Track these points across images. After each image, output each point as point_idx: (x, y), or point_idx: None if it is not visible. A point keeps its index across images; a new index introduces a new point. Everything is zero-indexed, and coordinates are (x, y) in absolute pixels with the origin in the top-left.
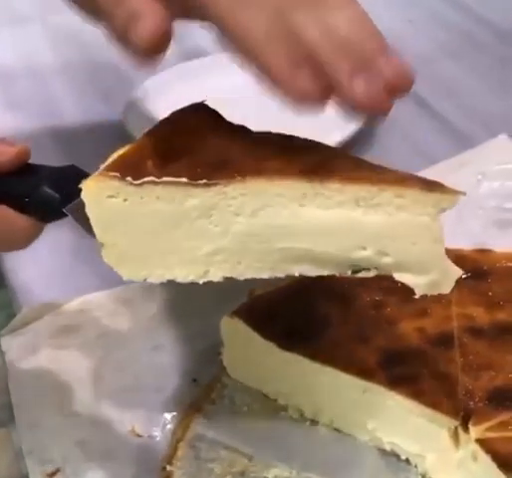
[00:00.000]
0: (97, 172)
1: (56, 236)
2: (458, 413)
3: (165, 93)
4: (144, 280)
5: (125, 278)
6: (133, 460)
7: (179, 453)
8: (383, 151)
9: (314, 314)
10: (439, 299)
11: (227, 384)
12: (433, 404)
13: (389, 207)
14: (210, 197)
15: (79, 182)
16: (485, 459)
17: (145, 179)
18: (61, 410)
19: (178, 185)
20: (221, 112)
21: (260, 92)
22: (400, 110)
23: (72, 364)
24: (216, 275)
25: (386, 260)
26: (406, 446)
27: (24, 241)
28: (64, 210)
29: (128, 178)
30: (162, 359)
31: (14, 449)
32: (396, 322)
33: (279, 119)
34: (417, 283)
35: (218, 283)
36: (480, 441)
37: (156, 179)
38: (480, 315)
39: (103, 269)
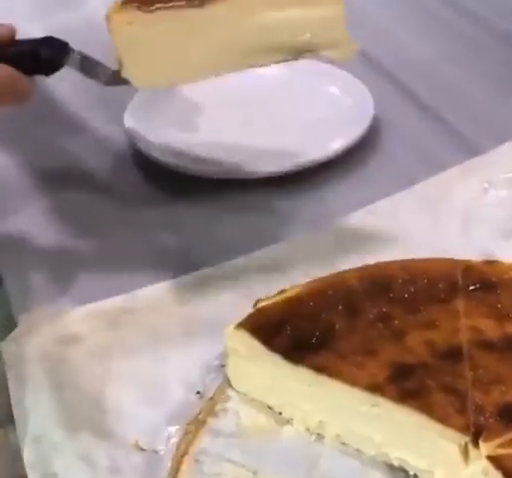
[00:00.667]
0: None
1: (57, 243)
2: (468, 429)
3: None
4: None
5: (140, 87)
6: (137, 474)
7: (183, 467)
8: (386, 158)
9: (320, 326)
10: (448, 310)
11: (231, 397)
12: (443, 419)
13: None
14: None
15: (62, 44)
16: (496, 476)
17: (158, 6)
18: (64, 423)
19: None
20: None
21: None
22: (404, 115)
23: (74, 376)
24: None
25: (315, 41)
26: (415, 461)
27: (27, 95)
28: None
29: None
30: (166, 372)
31: (11, 450)
32: (404, 334)
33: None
34: (333, 55)
35: (223, 294)
36: (491, 458)
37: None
38: (490, 327)
39: (105, 276)
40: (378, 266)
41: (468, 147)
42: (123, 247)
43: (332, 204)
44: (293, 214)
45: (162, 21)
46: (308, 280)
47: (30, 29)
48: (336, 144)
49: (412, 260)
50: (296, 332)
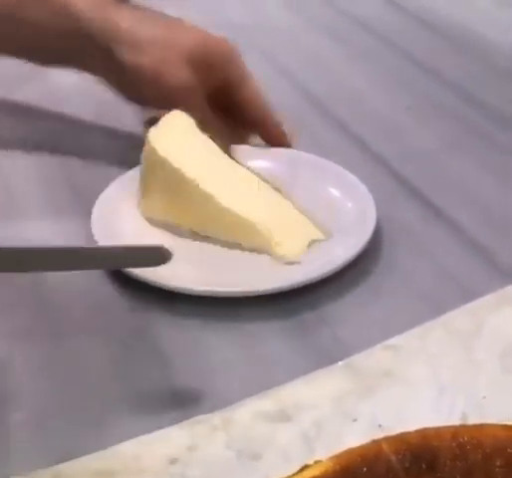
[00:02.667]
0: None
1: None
2: None
3: None
4: None
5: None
6: None
7: None
8: (392, 268)
9: None
10: None
11: None
12: None
13: None
14: None
15: None
16: None
17: None
18: None
19: None
20: None
21: None
22: (409, 216)
23: None
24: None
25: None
26: None
27: None
28: None
29: None
30: None
31: None
32: None
33: None
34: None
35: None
36: None
37: None
38: None
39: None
40: (420, 435)
41: (486, 257)
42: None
43: (339, 331)
44: (294, 340)
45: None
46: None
47: None
48: (337, 257)
49: (462, 427)
50: None
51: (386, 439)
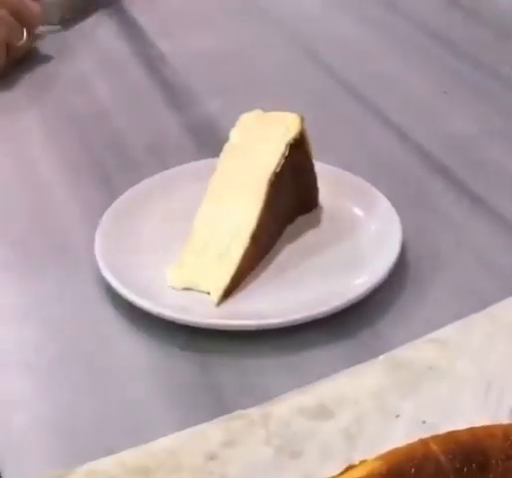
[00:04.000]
0: None
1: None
2: None
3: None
4: None
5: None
6: None
7: None
8: (418, 295)
9: None
10: None
11: None
12: None
13: None
14: None
15: None
16: None
17: None
18: None
19: None
20: None
21: None
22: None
23: None
24: None
25: None
26: None
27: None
28: None
29: None
30: None
31: None
32: None
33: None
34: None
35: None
36: None
37: None
38: None
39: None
40: (470, 433)
41: None
42: None
43: (380, 326)
44: (333, 335)
45: None
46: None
47: None
48: (359, 286)
49: None
50: None
51: (435, 438)
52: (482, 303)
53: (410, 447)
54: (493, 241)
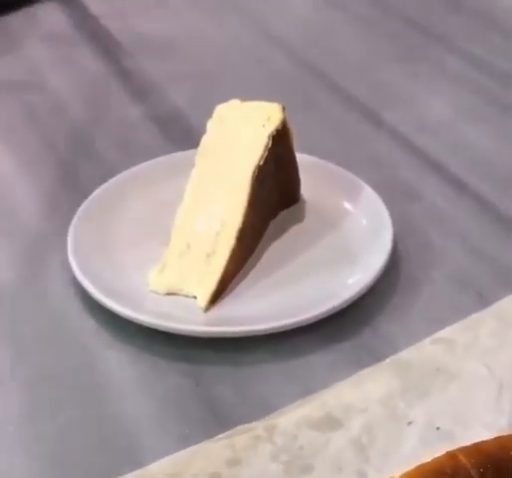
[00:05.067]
0: None
1: None
2: None
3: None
4: None
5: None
6: None
7: None
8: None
9: None
10: None
11: None
12: None
13: None
14: None
15: None
16: None
17: None
18: None
19: None
20: None
21: None
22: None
23: None
24: None
25: None
26: None
27: None
28: None
29: None
30: None
31: None
32: None
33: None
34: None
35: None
36: None
37: None
38: None
39: None
40: (498, 444)
41: None
42: None
43: (380, 327)
44: (333, 340)
45: None
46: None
47: None
48: (354, 285)
49: None
50: None
51: (463, 451)
52: (478, 295)
53: (438, 461)
54: (482, 228)
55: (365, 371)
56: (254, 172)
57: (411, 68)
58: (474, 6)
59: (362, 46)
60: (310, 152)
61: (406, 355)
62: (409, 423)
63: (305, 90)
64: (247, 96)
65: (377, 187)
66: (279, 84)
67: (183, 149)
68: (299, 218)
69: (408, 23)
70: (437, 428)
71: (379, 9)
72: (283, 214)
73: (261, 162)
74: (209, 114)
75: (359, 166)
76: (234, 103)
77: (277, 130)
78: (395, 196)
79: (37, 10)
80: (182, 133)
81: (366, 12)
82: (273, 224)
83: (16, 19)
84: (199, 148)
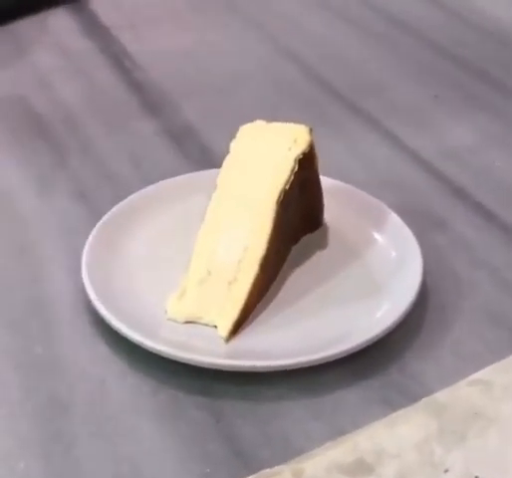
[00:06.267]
0: None
1: None
2: None
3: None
4: None
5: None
6: None
7: None
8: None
9: None
10: None
11: None
12: None
13: None
14: None
15: None
16: None
17: None
18: None
19: None
20: None
21: None
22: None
23: None
24: None
25: None
26: None
27: None
28: None
29: None
30: None
31: None
32: None
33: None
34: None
35: None
36: None
37: None
38: None
39: None
40: None
41: None
42: None
43: (409, 366)
44: (362, 380)
45: None
46: None
47: None
48: (384, 318)
49: None
50: None
51: None
52: (510, 331)
53: None
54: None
55: (398, 413)
56: (279, 197)
57: (430, 89)
58: (494, 28)
59: (377, 64)
60: (324, 173)
61: (442, 396)
62: (446, 471)
63: (319, 106)
64: (260, 111)
65: (400, 213)
66: (293, 100)
67: (197, 165)
68: (322, 244)
69: (424, 42)
70: (475, 477)
71: (394, 26)
72: (305, 239)
73: (287, 187)
74: (222, 128)
75: (380, 190)
76: (259, 123)
77: (303, 154)
78: (419, 223)
79: (47, 17)
80: (196, 149)
81: (382, 29)
82: (295, 249)
83: (25, 26)
84: (221, 170)
